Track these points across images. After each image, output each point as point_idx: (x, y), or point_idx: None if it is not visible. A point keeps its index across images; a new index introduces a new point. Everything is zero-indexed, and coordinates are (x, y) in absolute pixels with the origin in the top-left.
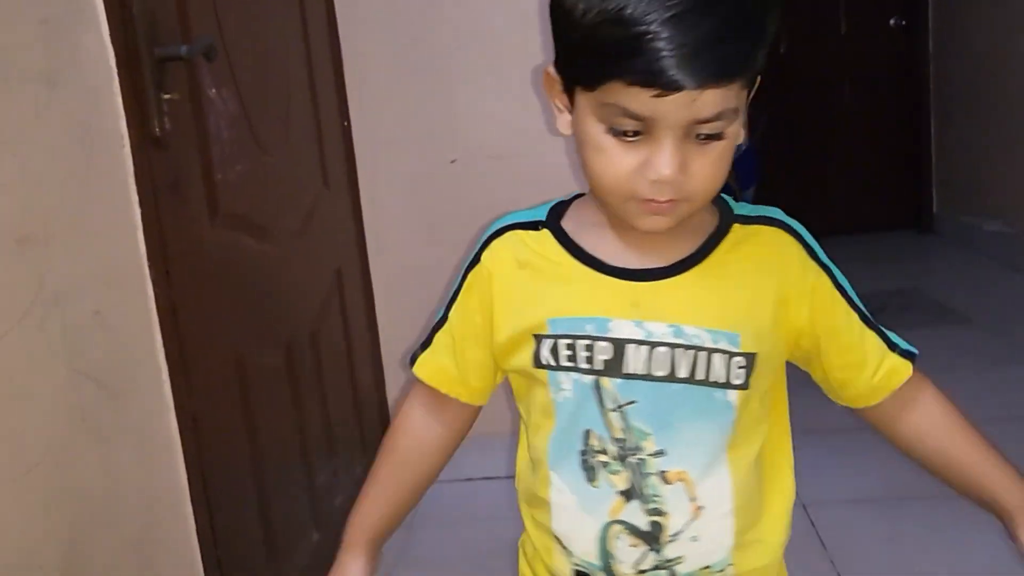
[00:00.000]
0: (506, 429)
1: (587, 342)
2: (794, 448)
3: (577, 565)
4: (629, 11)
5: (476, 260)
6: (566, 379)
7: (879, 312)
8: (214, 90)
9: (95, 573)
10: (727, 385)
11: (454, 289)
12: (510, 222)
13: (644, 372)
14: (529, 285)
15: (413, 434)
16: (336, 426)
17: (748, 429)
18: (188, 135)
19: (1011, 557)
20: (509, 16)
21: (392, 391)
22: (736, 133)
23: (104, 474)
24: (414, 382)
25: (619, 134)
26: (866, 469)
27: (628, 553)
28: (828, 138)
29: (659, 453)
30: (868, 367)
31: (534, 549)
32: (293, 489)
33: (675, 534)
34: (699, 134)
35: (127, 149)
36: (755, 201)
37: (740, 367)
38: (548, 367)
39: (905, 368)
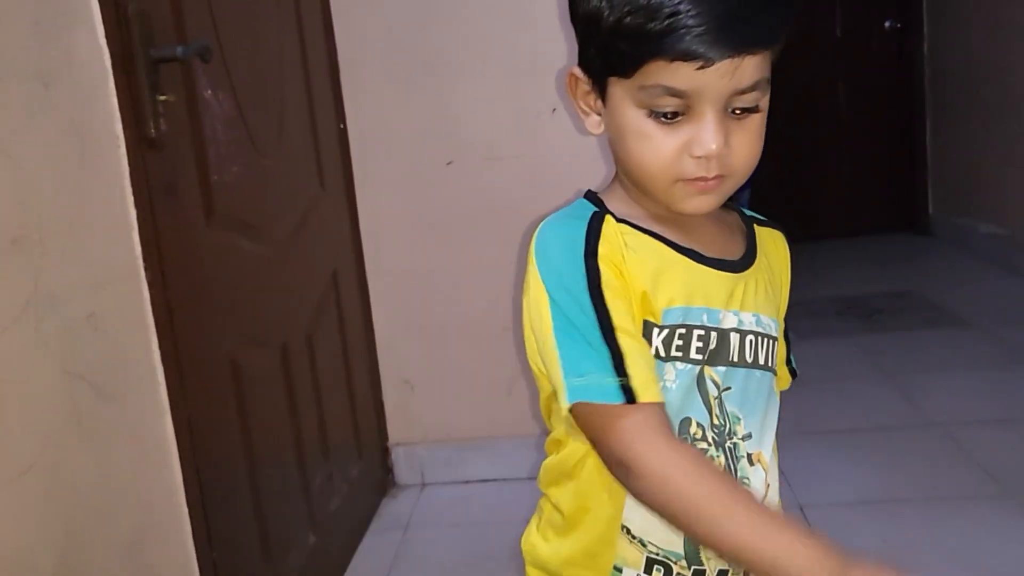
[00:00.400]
0: (504, 432)
1: (701, 332)
2: (791, 450)
3: (653, 555)
4: None
5: (593, 247)
6: (671, 370)
7: (877, 313)
8: (210, 91)
9: None
10: (773, 370)
11: (588, 303)
12: (590, 212)
13: (739, 360)
14: (641, 273)
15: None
16: (332, 429)
17: (775, 411)
18: (184, 136)
19: (1004, 561)
20: (505, 18)
21: (388, 394)
22: (767, 106)
23: (99, 476)
24: (632, 416)
25: (660, 117)
26: (862, 471)
27: None
28: (824, 140)
29: (747, 436)
30: (780, 365)
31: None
32: (289, 492)
33: None
34: (735, 109)
35: (122, 150)
36: (750, 204)
37: (773, 353)
38: (656, 357)
39: (788, 381)
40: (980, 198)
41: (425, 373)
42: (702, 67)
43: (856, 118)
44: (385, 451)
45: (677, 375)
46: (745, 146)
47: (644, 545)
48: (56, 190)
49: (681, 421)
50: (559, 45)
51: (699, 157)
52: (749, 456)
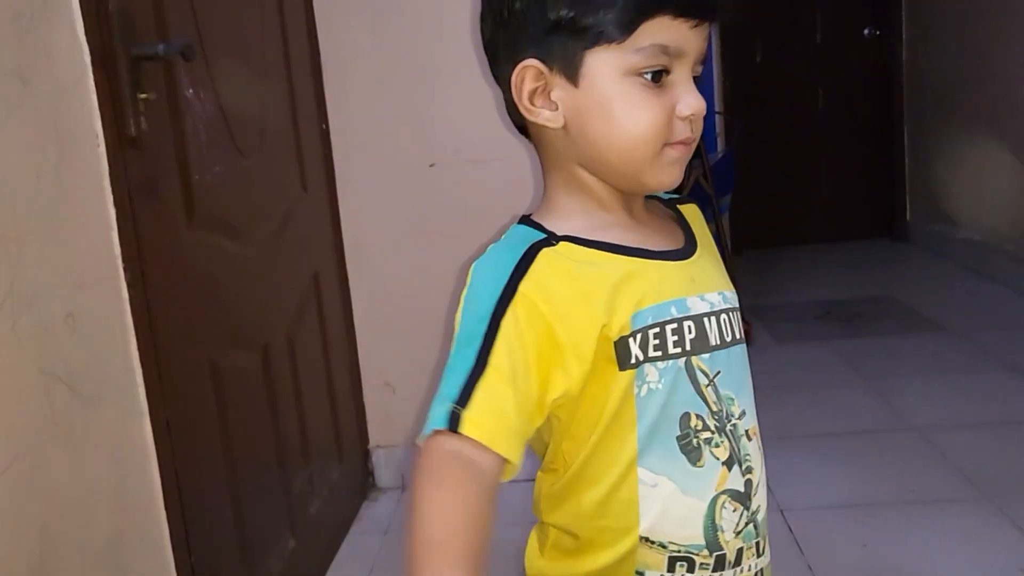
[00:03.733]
0: None
1: (674, 325)
2: (770, 455)
3: (675, 553)
4: None
5: (510, 294)
6: (652, 370)
7: (855, 318)
8: (191, 90)
9: None
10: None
11: (480, 334)
12: (531, 244)
13: (720, 341)
14: (601, 288)
15: (483, 521)
16: (312, 431)
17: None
18: (164, 135)
19: (983, 564)
20: None
21: (369, 396)
22: None
23: (75, 479)
24: (438, 448)
25: (647, 80)
26: (842, 475)
27: (731, 519)
28: (803, 146)
29: (743, 414)
30: None
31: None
32: (268, 495)
33: (757, 486)
34: (694, 75)
35: (102, 149)
36: (732, 208)
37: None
38: (635, 364)
39: None
40: (956, 205)
41: (406, 375)
42: (696, 25)
43: (835, 125)
44: (366, 454)
45: (661, 375)
46: (703, 111)
47: (665, 547)
48: (34, 189)
49: (679, 417)
50: None
51: (686, 117)
52: (747, 432)
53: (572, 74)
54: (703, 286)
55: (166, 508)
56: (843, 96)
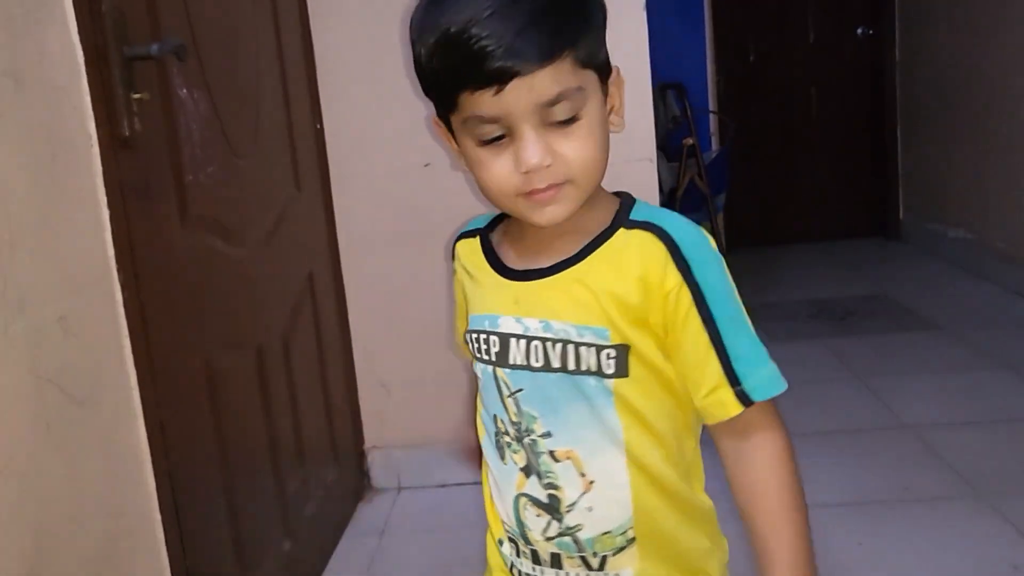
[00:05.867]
0: (481, 435)
1: (485, 336)
2: None
3: (507, 531)
4: (452, 29)
5: (452, 253)
6: (478, 367)
7: (848, 316)
8: (185, 90)
9: None
10: (601, 374)
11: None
12: (465, 229)
13: (524, 363)
14: (466, 287)
15: None
16: (307, 433)
17: (641, 413)
18: (158, 136)
19: (976, 561)
20: None
21: (364, 397)
22: (597, 115)
23: (69, 483)
24: None
25: (487, 143)
26: (837, 473)
27: (536, 522)
28: (796, 145)
29: (547, 434)
30: (701, 388)
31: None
32: (263, 497)
33: (571, 505)
34: (554, 120)
35: (95, 150)
36: (725, 207)
37: (610, 357)
38: (475, 358)
39: (733, 407)
40: (949, 203)
41: (401, 376)
42: (498, 91)
43: (829, 124)
44: (361, 455)
45: (482, 372)
46: (574, 151)
47: (503, 521)
48: (27, 190)
49: (492, 416)
50: None
51: (524, 172)
52: (552, 453)
53: (450, 130)
54: (526, 310)
55: (160, 511)
56: (836, 95)
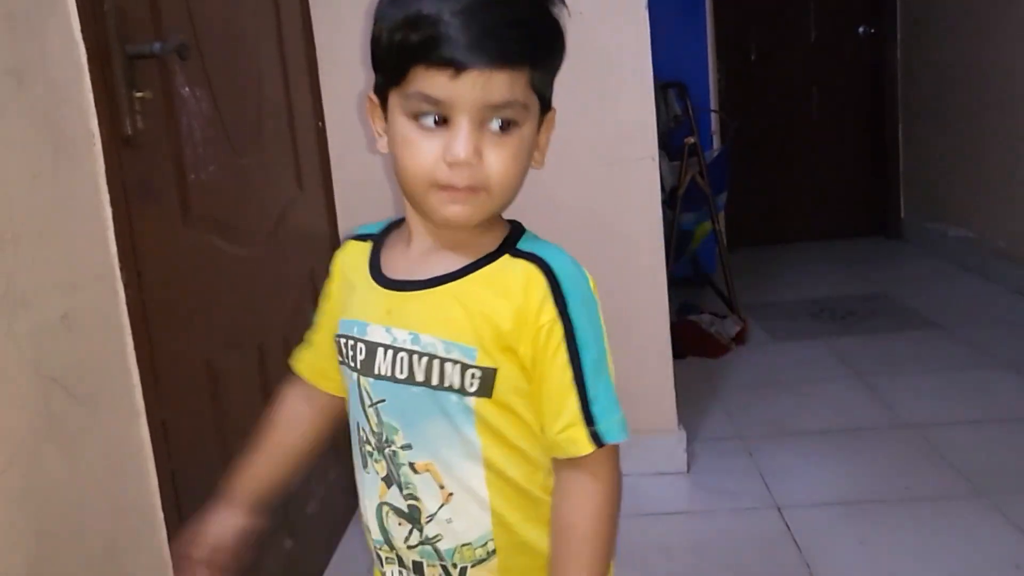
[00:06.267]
0: None
1: (352, 342)
2: (766, 452)
3: (374, 540)
4: (425, 11)
5: (331, 268)
6: (346, 372)
7: (849, 315)
8: (187, 89)
9: None
10: (463, 392)
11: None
12: (358, 232)
13: (389, 374)
14: (342, 291)
15: (288, 413)
16: None
17: (502, 432)
18: (160, 134)
19: (978, 560)
20: None
21: None
22: (528, 138)
23: (72, 481)
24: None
25: (422, 124)
26: (839, 472)
27: (398, 531)
28: (797, 145)
29: (407, 446)
30: (557, 422)
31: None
32: None
33: (431, 516)
34: (493, 125)
35: (97, 148)
36: (726, 205)
37: (475, 377)
38: (341, 362)
39: (585, 445)
40: (950, 203)
41: None
42: (454, 75)
43: (829, 123)
44: None
45: (347, 379)
46: (498, 162)
47: (369, 530)
48: (29, 188)
49: (356, 424)
50: None
51: (451, 164)
52: (412, 465)
53: (384, 108)
54: (398, 321)
55: (163, 510)
56: (838, 94)
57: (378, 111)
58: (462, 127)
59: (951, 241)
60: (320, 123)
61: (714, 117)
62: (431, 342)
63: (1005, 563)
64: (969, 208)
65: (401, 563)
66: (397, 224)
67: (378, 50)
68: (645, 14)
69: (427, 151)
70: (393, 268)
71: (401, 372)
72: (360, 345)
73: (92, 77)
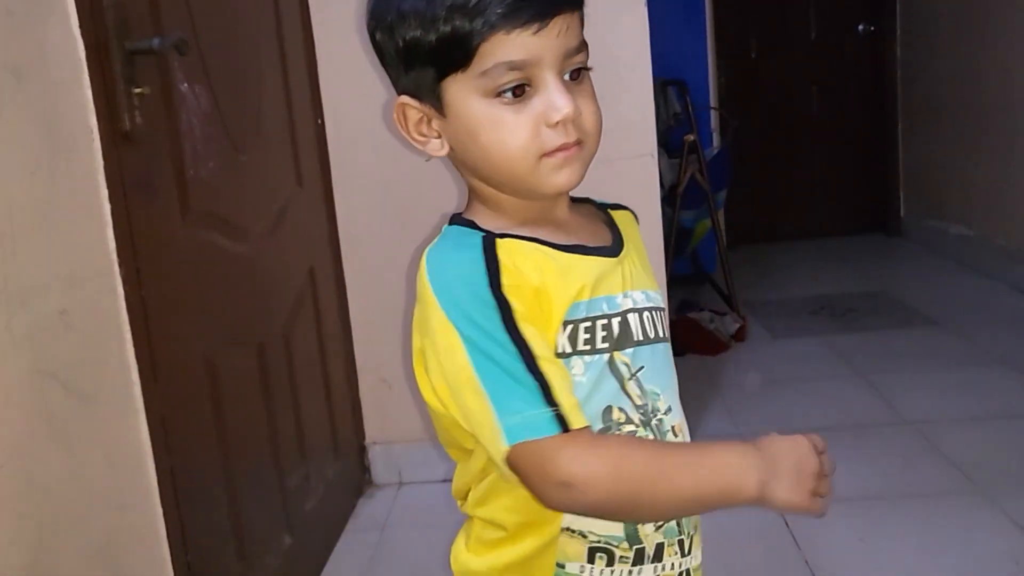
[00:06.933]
0: None
1: (604, 320)
2: None
3: (595, 544)
4: None
5: (495, 268)
6: (578, 363)
7: (849, 313)
8: (186, 85)
9: None
10: (667, 338)
11: (498, 321)
12: (472, 239)
13: (642, 338)
14: (540, 284)
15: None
16: (308, 428)
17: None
18: (159, 130)
19: (977, 557)
20: None
21: (365, 393)
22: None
23: (71, 477)
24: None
25: (506, 97)
26: (838, 469)
27: None
28: (797, 142)
29: (668, 410)
30: None
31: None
32: (264, 492)
33: None
34: (570, 72)
35: (96, 144)
36: (726, 203)
37: (666, 322)
38: (562, 356)
39: None
40: (950, 200)
41: (402, 371)
42: (538, 30)
43: (829, 121)
44: (362, 450)
45: (586, 368)
46: (590, 106)
47: (585, 536)
48: (28, 184)
49: (602, 411)
50: None
51: (556, 124)
52: (673, 428)
53: (438, 105)
54: (630, 283)
55: (162, 506)
56: (837, 92)
57: (418, 114)
58: (551, 82)
59: (951, 239)
60: (319, 120)
61: (714, 115)
62: (654, 296)
63: (1004, 559)
64: (969, 206)
65: (637, 560)
66: (469, 224)
67: (423, 44)
68: (644, 11)
69: (523, 123)
70: (568, 239)
71: (651, 331)
72: (614, 320)
73: (91, 73)
